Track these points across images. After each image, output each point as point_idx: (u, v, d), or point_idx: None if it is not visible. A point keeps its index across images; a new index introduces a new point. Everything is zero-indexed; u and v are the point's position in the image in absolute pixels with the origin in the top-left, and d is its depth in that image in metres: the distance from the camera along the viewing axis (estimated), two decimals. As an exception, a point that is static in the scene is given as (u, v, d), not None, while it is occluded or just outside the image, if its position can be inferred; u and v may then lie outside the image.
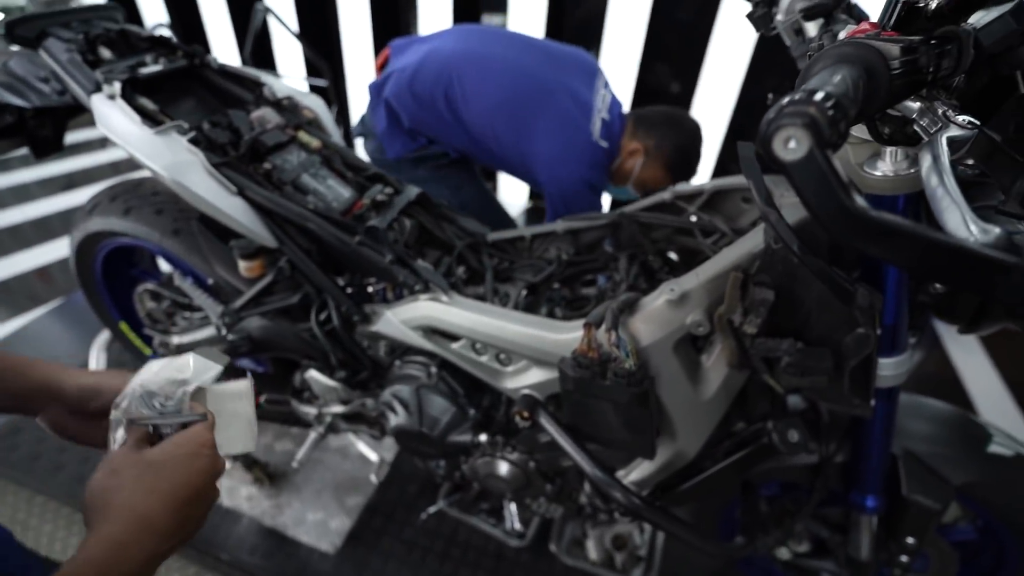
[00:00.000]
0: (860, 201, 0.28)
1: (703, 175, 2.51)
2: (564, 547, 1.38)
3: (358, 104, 3.16)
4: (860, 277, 0.66)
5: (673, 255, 1.04)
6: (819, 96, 0.29)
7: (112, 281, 1.41)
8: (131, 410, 0.52)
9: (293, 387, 1.19)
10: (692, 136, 1.41)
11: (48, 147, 1.26)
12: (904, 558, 0.93)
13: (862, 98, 0.33)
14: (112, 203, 1.19)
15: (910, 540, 0.89)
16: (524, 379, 0.89)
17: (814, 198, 0.28)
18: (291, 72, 3.10)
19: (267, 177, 1.00)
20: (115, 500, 0.45)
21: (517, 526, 1.41)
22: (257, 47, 2.96)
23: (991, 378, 2.10)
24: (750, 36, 2.26)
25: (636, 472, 0.88)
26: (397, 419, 0.99)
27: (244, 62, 3.02)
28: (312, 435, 1.19)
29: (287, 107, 1.14)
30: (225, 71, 1.14)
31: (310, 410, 1.18)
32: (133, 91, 0.99)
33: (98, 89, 0.95)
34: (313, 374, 1.11)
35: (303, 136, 1.10)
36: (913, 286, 0.70)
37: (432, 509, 1.44)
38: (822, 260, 0.61)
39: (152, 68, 1.04)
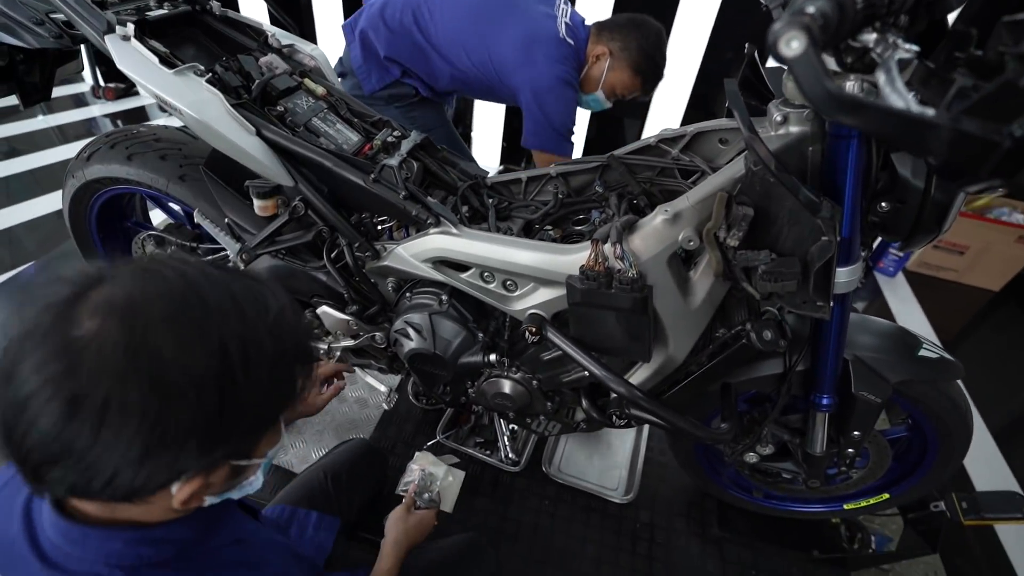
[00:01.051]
0: (839, 86, 0.38)
1: (675, 120, 2.66)
2: (555, 468, 1.52)
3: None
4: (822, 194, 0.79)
5: (657, 196, 1.15)
6: (811, 9, 0.39)
7: (106, 232, 1.42)
8: (414, 484, 1.18)
9: (303, 326, 1.25)
10: (656, 36, 1.51)
11: (36, 95, 1.26)
12: (850, 450, 1.10)
13: (835, 21, 0.44)
14: (112, 150, 1.21)
15: (856, 434, 1.05)
16: (531, 300, 0.99)
17: (808, 85, 0.39)
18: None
19: (280, 119, 1.05)
20: (396, 535, 1.00)
21: (511, 455, 1.54)
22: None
23: (921, 321, 2.38)
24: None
25: (633, 379, 1.01)
26: (412, 344, 1.08)
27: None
28: (324, 369, 1.26)
29: (289, 55, 1.18)
30: (228, 18, 1.16)
31: (320, 345, 1.25)
32: (146, 36, 1.01)
33: (111, 30, 0.96)
34: (325, 310, 1.18)
35: (309, 83, 1.14)
36: (865, 206, 0.83)
37: (431, 443, 1.55)
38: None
39: (158, 12, 1.06)
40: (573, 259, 0.90)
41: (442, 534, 1.37)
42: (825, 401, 1.02)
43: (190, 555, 0.59)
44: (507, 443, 1.55)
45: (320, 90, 1.15)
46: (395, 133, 1.11)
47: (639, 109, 2.76)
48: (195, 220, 1.16)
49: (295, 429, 1.61)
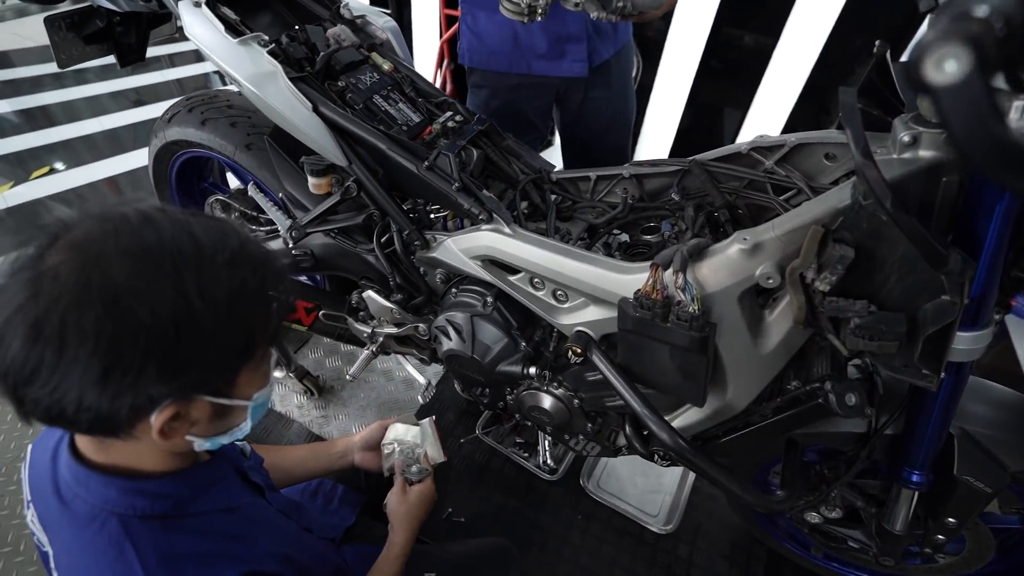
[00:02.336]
0: (1015, 132, 0.26)
1: (781, 116, 2.39)
2: (594, 483, 1.44)
3: (421, 35, 3.09)
4: (952, 242, 0.63)
5: (742, 210, 1.01)
6: (981, 10, 0.26)
7: (185, 191, 1.47)
8: (397, 462, 1.04)
9: (350, 305, 1.24)
10: None
11: (132, 55, 1.30)
12: (940, 537, 0.93)
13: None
14: (190, 114, 1.23)
15: (951, 520, 0.88)
16: (580, 316, 0.90)
17: (963, 127, 0.27)
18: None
19: (340, 96, 1.01)
20: (400, 517, 0.96)
21: (549, 461, 1.47)
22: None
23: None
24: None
25: (681, 419, 0.90)
26: (450, 344, 1.03)
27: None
28: (365, 353, 1.24)
29: (361, 27, 1.13)
30: (303, -15, 1.13)
31: (364, 328, 1.23)
32: (218, 2, 0.99)
33: (185, -5, 0.96)
34: (371, 294, 1.15)
35: (376, 57, 1.09)
36: (1010, 258, 0.66)
37: (470, 436, 1.51)
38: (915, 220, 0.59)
39: (234, -23, 1.04)
40: (630, 280, 0.79)
41: (473, 533, 1.34)
42: (916, 478, 0.86)
43: (180, 514, 0.62)
44: (547, 448, 1.48)
45: (387, 66, 1.09)
46: (457, 117, 1.03)
47: (740, 96, 2.50)
48: (248, 193, 1.16)
49: (339, 401, 1.63)
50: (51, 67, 3.50)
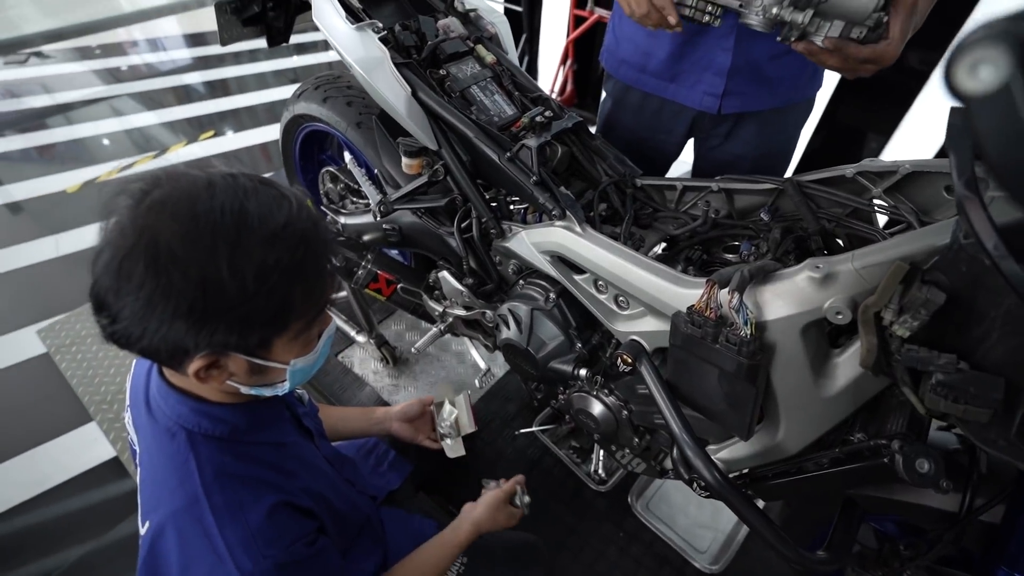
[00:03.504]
0: None
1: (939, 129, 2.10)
2: (643, 504, 1.39)
3: (549, 33, 3.13)
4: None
5: (841, 240, 0.91)
6: None
7: (306, 161, 1.64)
8: (445, 430, 1.22)
9: (427, 283, 1.30)
10: None
11: (279, 37, 1.46)
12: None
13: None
14: (315, 91, 1.36)
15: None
16: (636, 325, 0.88)
17: (997, 143, 0.23)
18: (492, -7, 3.16)
19: (440, 83, 1.06)
20: (481, 516, 1.01)
21: (600, 472, 1.44)
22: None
23: None
24: None
25: (727, 451, 0.84)
26: (508, 333, 1.05)
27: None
28: (433, 330, 1.30)
29: (472, 19, 1.18)
30: (425, -22, 1.20)
31: (436, 307, 1.29)
32: (344, -12, 1.09)
33: (318, -18, 1.06)
34: (445, 275, 1.21)
35: (480, 50, 1.13)
36: None
37: (525, 430, 1.52)
38: (1025, 269, 0.50)
39: (363, -31, 1.13)
40: (688, 294, 0.76)
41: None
42: (1008, 577, 0.73)
43: (236, 440, 0.71)
44: (601, 458, 1.45)
45: (489, 58, 1.13)
46: (547, 113, 1.04)
47: (886, 118, 2.22)
48: (347, 166, 1.26)
49: (411, 374, 1.72)
50: (232, 47, 4.03)
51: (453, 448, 1.23)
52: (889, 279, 0.57)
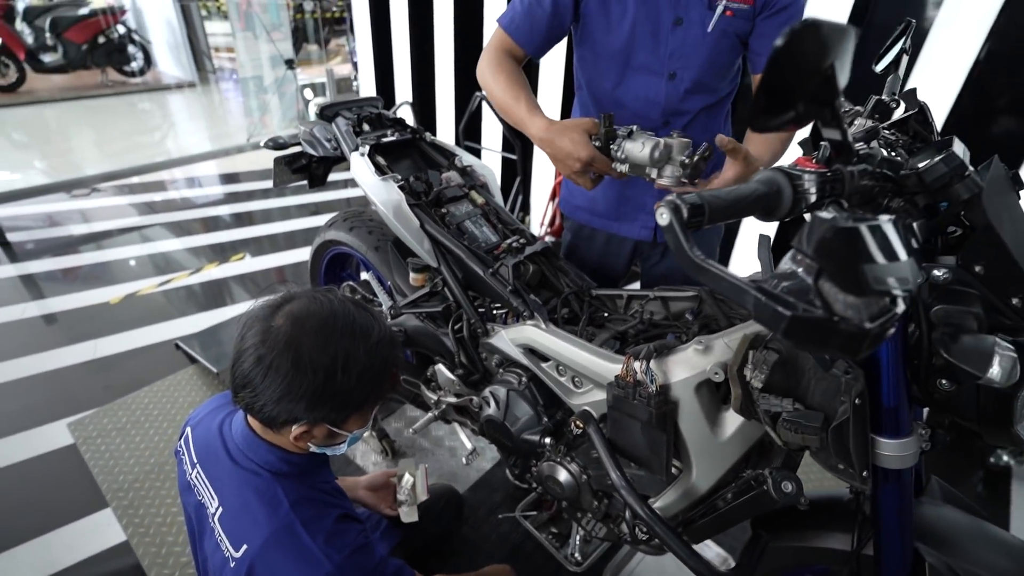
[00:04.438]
0: (694, 252, 0.50)
1: None
2: (614, 585, 1.50)
3: (540, 174, 3.67)
4: (858, 361, 0.79)
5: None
6: (688, 198, 0.53)
7: (329, 278, 1.97)
8: (404, 497, 1.35)
9: (425, 376, 1.55)
10: None
11: (318, 181, 1.87)
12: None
13: (744, 206, 0.56)
14: (344, 222, 1.73)
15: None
16: (586, 398, 1.12)
17: (672, 246, 0.52)
18: (491, 145, 3.77)
19: (441, 218, 1.41)
20: None
21: (577, 555, 1.56)
22: (471, 122, 3.70)
23: None
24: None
25: (661, 500, 1.04)
26: (489, 410, 1.28)
27: (458, 133, 3.76)
28: (428, 415, 1.52)
29: (468, 172, 1.57)
30: (434, 144, 1.62)
31: (431, 396, 1.52)
32: (375, 152, 1.49)
33: (356, 149, 1.46)
34: (440, 368, 1.46)
35: (473, 194, 1.51)
36: (920, 377, 0.79)
37: (508, 514, 1.66)
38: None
39: (389, 138, 1.55)
40: (618, 368, 1.01)
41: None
42: (887, 598, 0.90)
43: (303, 477, 0.94)
44: (577, 542, 1.58)
45: (479, 200, 1.49)
46: (521, 240, 1.38)
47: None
48: (367, 280, 1.58)
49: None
50: (261, 184, 4.64)
51: (408, 514, 1.34)
52: (739, 345, 0.84)
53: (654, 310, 1.30)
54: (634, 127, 1.09)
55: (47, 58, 7.07)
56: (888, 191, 0.70)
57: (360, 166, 1.43)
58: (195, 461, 0.98)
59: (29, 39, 6.92)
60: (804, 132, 0.80)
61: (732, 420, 0.91)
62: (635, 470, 1.06)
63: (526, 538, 1.63)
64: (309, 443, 0.91)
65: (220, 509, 0.90)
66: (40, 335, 2.60)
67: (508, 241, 1.37)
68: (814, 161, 0.64)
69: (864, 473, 0.79)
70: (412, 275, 1.41)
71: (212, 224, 3.96)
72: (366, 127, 1.60)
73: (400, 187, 1.39)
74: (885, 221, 0.44)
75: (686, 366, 0.91)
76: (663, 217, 0.52)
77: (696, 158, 0.99)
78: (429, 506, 1.42)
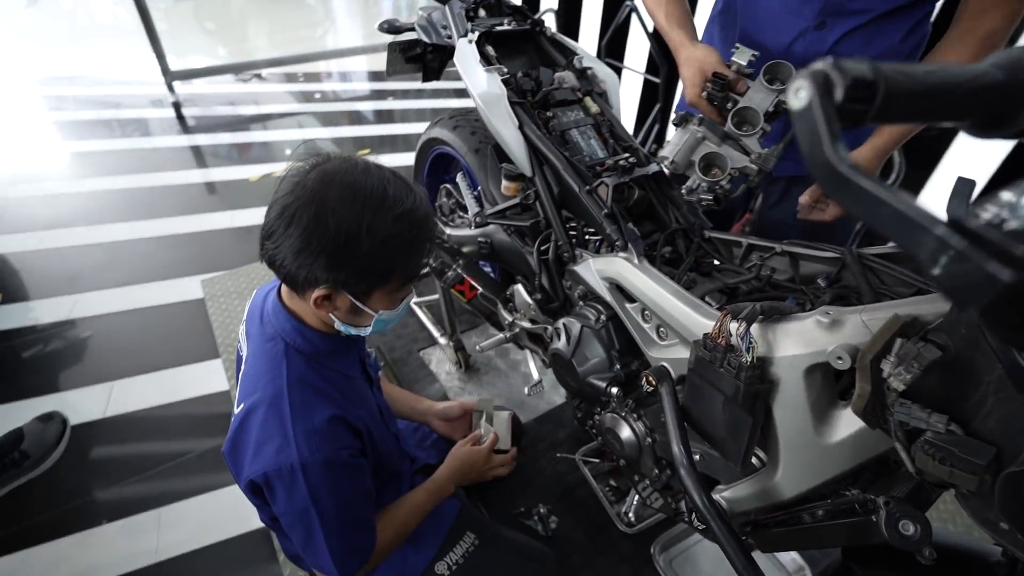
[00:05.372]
0: (840, 151, 0.30)
1: None
2: (666, 558, 1.37)
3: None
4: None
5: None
6: (852, 66, 0.32)
7: (431, 179, 1.90)
8: (481, 430, 1.31)
9: (504, 295, 1.45)
10: None
11: (432, 75, 1.76)
12: None
13: (955, 99, 0.33)
14: (449, 120, 1.62)
15: None
16: (668, 353, 0.94)
17: (804, 145, 0.32)
18: (634, 65, 3.39)
19: (545, 123, 1.23)
20: (453, 458, 1.19)
21: (631, 516, 1.45)
22: (616, 36, 3.33)
23: None
24: None
25: (731, 491, 0.86)
26: (557, 344, 1.15)
27: (600, 49, 3.42)
28: (499, 336, 1.44)
29: (587, 76, 1.36)
30: (554, 39, 1.41)
31: (507, 316, 1.43)
32: (486, 41, 1.33)
33: (465, 35, 1.31)
34: (519, 288, 1.35)
35: (588, 101, 1.30)
36: None
37: (568, 455, 1.58)
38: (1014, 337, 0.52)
39: (504, 27, 1.37)
40: (710, 324, 0.82)
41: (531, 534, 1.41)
42: None
43: (316, 359, 0.91)
44: (634, 503, 1.46)
45: (593, 108, 1.29)
46: (632, 159, 1.17)
47: None
48: (455, 181, 1.47)
49: (478, 381, 1.86)
50: (408, 84, 4.69)
51: None
52: (884, 328, 0.61)
53: (778, 267, 1.05)
54: (751, 83, 1.01)
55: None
56: None
57: (465, 54, 1.29)
58: (244, 318, 1.00)
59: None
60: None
61: (847, 422, 0.69)
62: (707, 447, 0.89)
63: (581, 483, 1.55)
64: (332, 315, 0.86)
65: (244, 364, 0.92)
66: (191, 200, 2.91)
67: (616, 158, 1.17)
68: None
69: (1039, 541, 0.55)
70: (504, 183, 1.28)
71: (355, 118, 4.12)
72: (482, 12, 1.43)
73: (504, 81, 1.23)
74: None
75: (799, 340, 0.70)
76: (799, 95, 0.32)
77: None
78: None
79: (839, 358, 0.66)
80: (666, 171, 1.14)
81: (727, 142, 1.06)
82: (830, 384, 0.71)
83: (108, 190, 2.92)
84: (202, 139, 3.61)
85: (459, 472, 1.15)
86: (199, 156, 3.40)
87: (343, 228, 0.75)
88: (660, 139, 3.56)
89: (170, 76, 3.81)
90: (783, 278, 1.04)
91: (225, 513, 1.49)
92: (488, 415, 1.36)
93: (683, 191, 1.05)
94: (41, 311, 2.13)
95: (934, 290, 0.81)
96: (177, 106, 3.88)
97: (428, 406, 1.36)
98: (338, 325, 0.88)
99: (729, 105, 1.07)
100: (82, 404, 1.76)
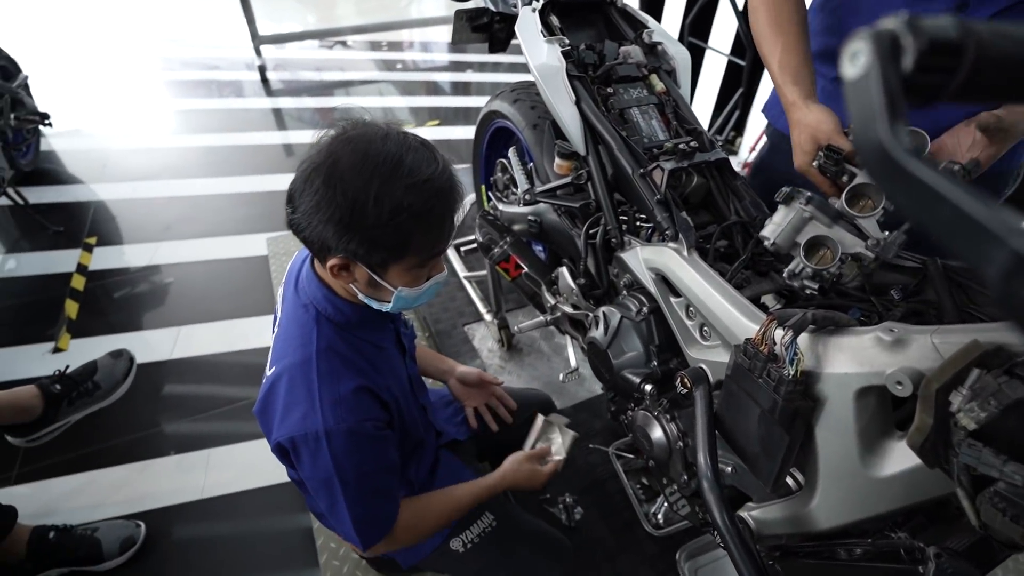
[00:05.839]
0: (899, 134, 0.24)
1: None
2: (691, 566, 1.31)
3: (764, 94, 3.03)
4: None
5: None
6: (927, 25, 0.25)
7: (490, 152, 1.87)
8: (539, 438, 1.23)
9: (549, 277, 1.41)
10: None
11: (499, 46, 1.71)
12: None
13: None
14: (510, 93, 1.57)
15: None
16: (708, 355, 0.88)
17: (856, 123, 0.26)
18: (719, 45, 3.17)
19: (604, 100, 1.16)
20: (507, 471, 1.10)
21: (660, 518, 1.39)
22: (702, 14, 3.13)
23: None
24: None
25: (761, 511, 0.79)
26: (595, 332, 1.10)
27: (683, 27, 3.22)
28: (539, 318, 1.40)
29: (656, 52, 1.26)
30: (625, 10, 1.32)
31: (550, 299, 1.39)
32: (551, 11, 1.26)
33: (529, 3, 1.25)
34: (564, 272, 1.30)
35: (653, 79, 1.21)
36: None
37: (601, 447, 1.53)
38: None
39: (573, -3, 1.30)
40: (754, 328, 0.74)
41: (551, 525, 1.39)
42: None
43: (347, 329, 0.90)
44: (664, 505, 1.40)
45: (659, 87, 1.20)
46: (693, 143, 1.08)
47: None
48: (508, 155, 1.43)
49: (519, 361, 1.84)
50: (487, 57, 4.66)
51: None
52: (958, 354, 0.52)
53: (848, 273, 0.95)
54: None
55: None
56: None
57: (527, 23, 1.23)
58: (282, 282, 1.01)
59: None
60: None
61: (901, 457, 0.61)
62: (737, 460, 0.82)
63: (612, 477, 1.50)
64: (353, 286, 0.84)
65: (278, 327, 0.93)
66: (268, 160, 3.04)
67: (676, 141, 1.08)
68: None
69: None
70: (557, 160, 1.23)
71: (432, 88, 4.15)
72: (552, -19, 1.36)
73: (565, 54, 1.17)
74: None
75: (854, 357, 0.62)
76: (856, 60, 0.26)
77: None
78: (516, 412, 1.34)
79: (899, 383, 0.57)
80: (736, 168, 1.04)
81: (839, 222, 0.87)
82: (886, 411, 0.62)
83: (195, 147, 3.11)
84: (284, 102, 3.76)
85: (514, 486, 1.11)
86: (279, 119, 3.55)
87: (349, 195, 0.72)
88: (740, 126, 3.33)
89: (258, 40, 3.98)
90: (852, 285, 0.93)
91: (268, 461, 1.56)
92: (560, 429, 1.28)
93: (784, 276, 0.88)
94: (131, 255, 2.31)
95: (1001, 316, 0.70)
96: (262, 69, 4.05)
97: (451, 366, 1.33)
98: (362, 297, 0.87)
99: (844, 178, 0.90)
100: (152, 344, 1.90)
